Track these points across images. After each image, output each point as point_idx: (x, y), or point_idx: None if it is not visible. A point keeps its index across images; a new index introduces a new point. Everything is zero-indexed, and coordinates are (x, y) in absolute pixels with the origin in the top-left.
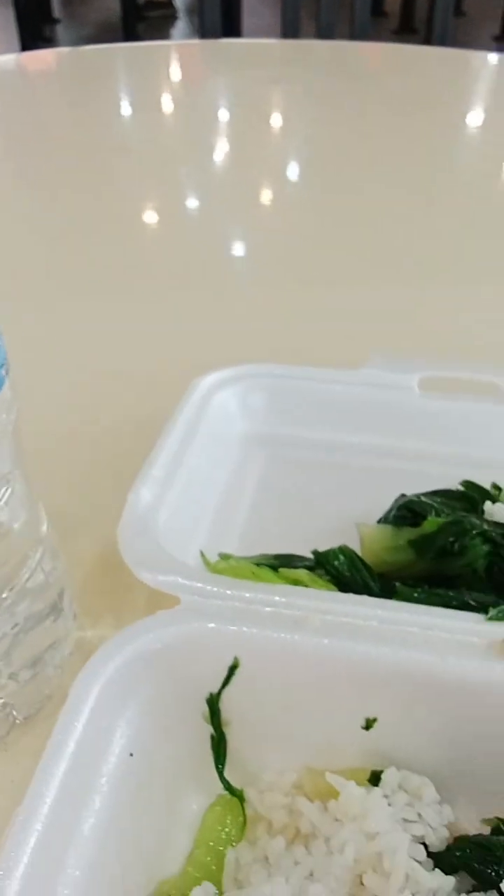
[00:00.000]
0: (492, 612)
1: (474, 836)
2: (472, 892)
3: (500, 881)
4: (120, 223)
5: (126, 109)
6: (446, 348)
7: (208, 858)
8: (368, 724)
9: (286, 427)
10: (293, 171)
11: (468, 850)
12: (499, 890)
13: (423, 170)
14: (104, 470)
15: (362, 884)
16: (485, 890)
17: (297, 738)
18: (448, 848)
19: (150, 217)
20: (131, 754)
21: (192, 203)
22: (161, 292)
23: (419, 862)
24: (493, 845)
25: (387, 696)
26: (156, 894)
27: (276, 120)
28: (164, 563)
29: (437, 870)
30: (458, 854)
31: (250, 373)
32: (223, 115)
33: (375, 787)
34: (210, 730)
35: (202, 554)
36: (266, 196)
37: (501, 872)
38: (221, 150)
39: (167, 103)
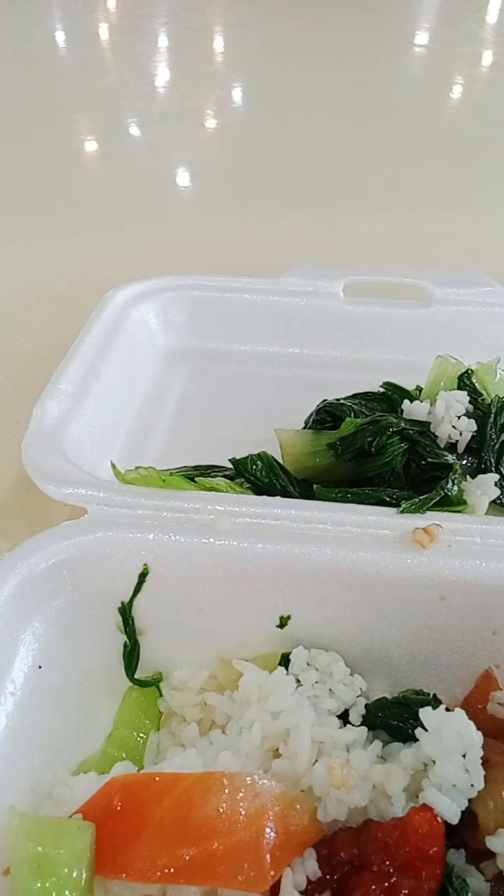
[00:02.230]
0: (404, 504)
1: (393, 697)
2: (389, 743)
3: (415, 730)
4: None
5: (60, 36)
6: (372, 257)
7: (127, 739)
8: (283, 623)
9: (208, 341)
10: (229, 86)
11: (387, 710)
12: (413, 738)
13: (361, 89)
14: (21, 387)
15: (280, 755)
16: (403, 741)
17: (211, 637)
18: (368, 710)
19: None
20: (40, 667)
21: (121, 123)
22: (82, 210)
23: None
24: (411, 702)
25: (301, 592)
26: (79, 771)
27: (219, 43)
28: (70, 475)
29: (348, 725)
30: (379, 715)
31: (169, 285)
32: (162, 39)
33: (281, 668)
34: (123, 638)
35: (113, 465)
36: (195, 113)
37: (416, 725)
38: (161, 74)
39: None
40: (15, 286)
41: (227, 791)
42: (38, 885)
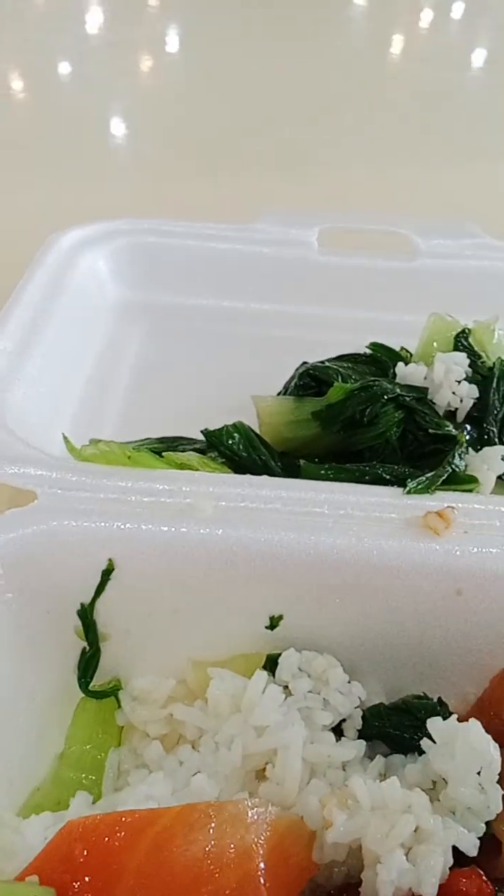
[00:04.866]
0: (410, 484)
1: (391, 703)
2: (388, 755)
3: (419, 742)
4: None
5: None
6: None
7: (83, 758)
8: (273, 623)
9: (167, 294)
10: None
11: (386, 718)
12: (418, 750)
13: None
14: None
15: (265, 776)
16: (405, 753)
17: (187, 643)
18: (363, 719)
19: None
20: None
21: (65, 67)
22: (12, 147)
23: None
24: (412, 708)
25: (295, 587)
26: (29, 805)
27: None
28: (13, 451)
29: (343, 738)
30: (376, 724)
31: (121, 229)
32: None
33: (262, 672)
34: (82, 644)
35: (65, 438)
36: (139, 58)
37: (420, 735)
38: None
39: None
40: None
41: (213, 825)
42: None
